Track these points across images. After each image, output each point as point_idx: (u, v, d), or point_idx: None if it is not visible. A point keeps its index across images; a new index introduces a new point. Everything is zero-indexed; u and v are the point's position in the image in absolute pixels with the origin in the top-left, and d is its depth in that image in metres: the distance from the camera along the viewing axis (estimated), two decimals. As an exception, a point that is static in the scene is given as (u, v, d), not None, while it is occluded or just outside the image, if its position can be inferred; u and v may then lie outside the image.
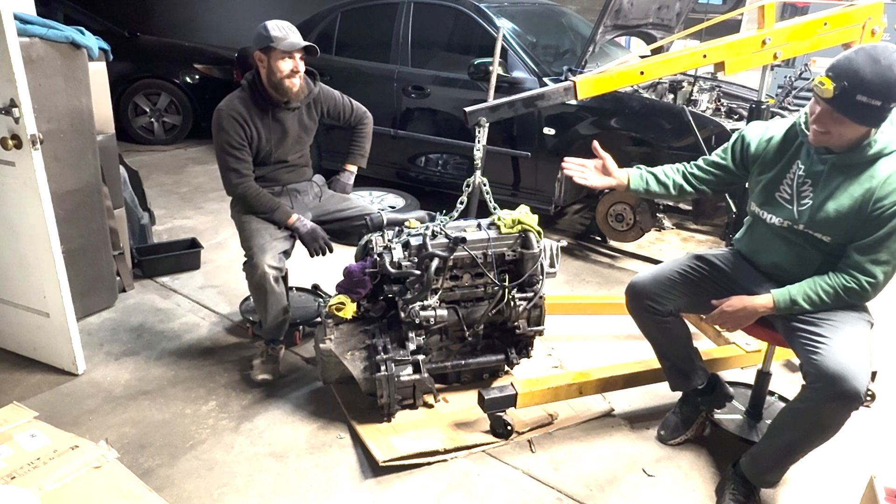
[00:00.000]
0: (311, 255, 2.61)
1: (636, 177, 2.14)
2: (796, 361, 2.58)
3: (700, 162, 2.15)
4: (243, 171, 2.52)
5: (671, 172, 2.16)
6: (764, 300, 1.89)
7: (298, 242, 2.62)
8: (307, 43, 2.48)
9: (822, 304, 1.83)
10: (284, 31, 2.45)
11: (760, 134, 2.01)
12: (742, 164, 2.06)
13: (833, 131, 1.74)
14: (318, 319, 2.81)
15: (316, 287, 3.28)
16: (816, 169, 1.86)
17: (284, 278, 2.53)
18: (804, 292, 1.84)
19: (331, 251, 2.61)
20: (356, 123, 2.85)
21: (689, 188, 2.14)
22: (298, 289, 3.23)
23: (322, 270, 3.22)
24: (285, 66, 2.44)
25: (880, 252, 1.77)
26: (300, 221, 2.57)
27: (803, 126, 1.89)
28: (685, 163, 2.18)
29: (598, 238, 4.26)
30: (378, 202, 4.37)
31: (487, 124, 2.83)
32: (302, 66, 2.50)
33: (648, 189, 2.15)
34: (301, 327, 2.90)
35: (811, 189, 1.87)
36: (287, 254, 2.56)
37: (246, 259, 2.51)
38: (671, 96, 3.90)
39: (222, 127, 2.47)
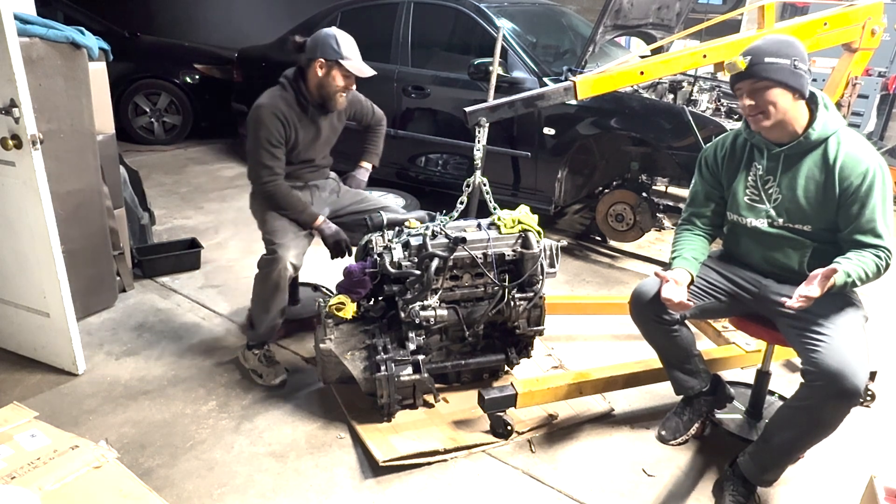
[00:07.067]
0: (333, 258, 2.65)
1: (694, 267, 2.07)
2: (796, 361, 2.58)
3: (695, 209, 2.18)
4: (276, 170, 2.53)
5: (696, 238, 2.14)
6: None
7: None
8: (373, 73, 2.55)
9: (866, 280, 1.83)
10: (354, 52, 2.49)
11: (714, 149, 2.13)
12: (717, 181, 2.12)
13: (767, 106, 1.85)
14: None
15: (316, 287, 3.29)
16: (772, 164, 1.96)
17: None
18: (855, 271, 1.80)
19: (350, 254, 2.64)
20: (374, 125, 2.92)
21: (716, 229, 2.19)
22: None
23: (323, 270, 3.23)
24: (344, 83, 2.51)
25: (876, 225, 1.84)
26: (326, 224, 2.59)
27: (748, 130, 2.00)
28: (686, 225, 2.18)
29: (598, 238, 4.26)
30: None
31: (487, 124, 2.83)
32: (354, 87, 2.58)
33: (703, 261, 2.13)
34: None
35: (774, 184, 1.96)
36: (305, 251, 2.58)
37: (267, 253, 2.51)
38: (671, 96, 3.90)
39: (263, 123, 2.47)
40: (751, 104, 1.87)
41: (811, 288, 1.75)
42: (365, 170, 2.94)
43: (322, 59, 2.46)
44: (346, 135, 2.88)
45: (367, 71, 2.51)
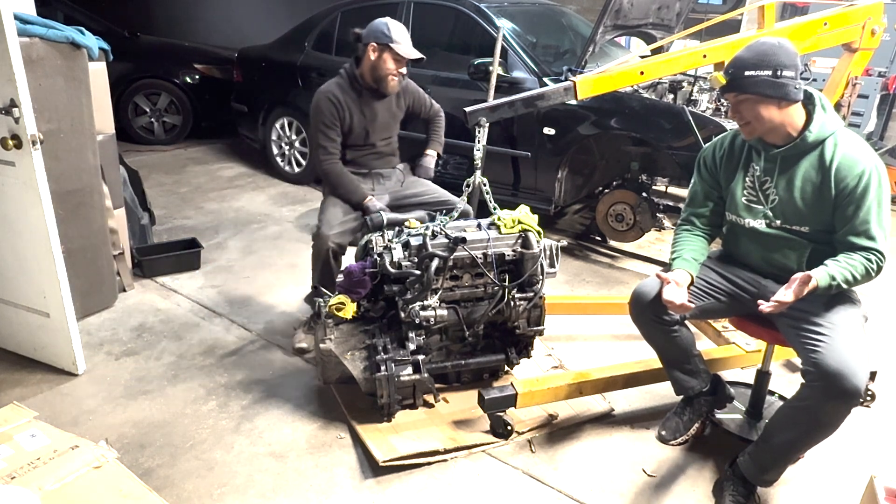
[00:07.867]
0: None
1: (694, 268, 2.07)
2: (796, 361, 2.59)
3: (693, 210, 2.18)
4: (331, 150, 2.75)
5: (695, 238, 2.14)
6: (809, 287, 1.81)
7: None
8: (421, 55, 2.74)
9: (854, 283, 1.84)
10: (404, 37, 2.70)
11: (713, 149, 2.13)
12: (716, 181, 2.13)
13: (751, 118, 1.87)
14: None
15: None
16: (770, 165, 1.96)
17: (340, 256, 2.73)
18: (842, 274, 1.81)
19: None
20: (433, 116, 3.10)
21: (715, 229, 2.19)
22: None
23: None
24: (395, 66, 2.71)
25: (870, 227, 1.83)
26: (371, 201, 2.76)
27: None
28: (686, 225, 2.18)
29: (598, 238, 4.26)
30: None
31: (487, 124, 2.84)
32: (405, 71, 2.77)
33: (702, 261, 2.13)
34: None
35: (772, 185, 1.96)
36: (354, 232, 2.73)
37: (316, 229, 2.72)
38: (671, 96, 3.90)
39: (319, 107, 2.73)
40: (737, 116, 1.89)
41: (786, 293, 1.77)
42: (430, 157, 3.07)
43: (374, 44, 2.67)
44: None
45: (415, 53, 2.70)
